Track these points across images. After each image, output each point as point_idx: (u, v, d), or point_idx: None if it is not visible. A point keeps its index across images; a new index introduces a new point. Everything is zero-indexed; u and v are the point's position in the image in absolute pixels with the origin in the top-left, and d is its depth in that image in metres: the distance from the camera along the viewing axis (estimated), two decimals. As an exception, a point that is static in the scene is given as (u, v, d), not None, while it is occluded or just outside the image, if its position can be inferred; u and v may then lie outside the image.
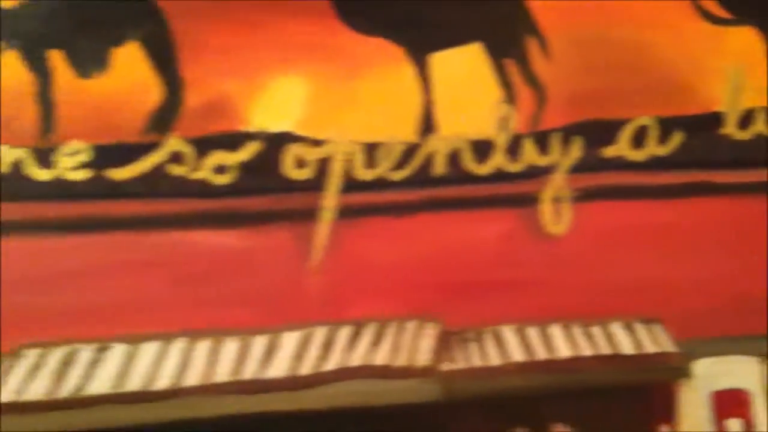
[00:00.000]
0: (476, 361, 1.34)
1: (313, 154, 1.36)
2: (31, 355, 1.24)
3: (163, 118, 1.33)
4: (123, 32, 1.35)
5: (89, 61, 1.33)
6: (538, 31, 1.47)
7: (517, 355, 1.35)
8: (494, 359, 1.35)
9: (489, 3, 1.48)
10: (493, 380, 1.34)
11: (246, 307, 1.31)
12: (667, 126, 1.44)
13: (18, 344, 1.25)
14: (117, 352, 1.27)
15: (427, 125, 1.42)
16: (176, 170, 1.32)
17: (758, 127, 1.42)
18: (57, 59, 1.33)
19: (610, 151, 1.43)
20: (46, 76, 1.31)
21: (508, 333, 1.37)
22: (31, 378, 1.23)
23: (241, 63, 1.37)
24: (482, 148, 1.42)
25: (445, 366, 1.33)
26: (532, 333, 1.37)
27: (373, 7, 1.43)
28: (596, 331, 1.37)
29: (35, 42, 1.33)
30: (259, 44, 1.38)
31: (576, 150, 1.42)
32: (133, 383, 1.25)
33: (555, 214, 1.41)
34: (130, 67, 1.35)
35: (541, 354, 1.35)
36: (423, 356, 1.33)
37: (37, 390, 1.23)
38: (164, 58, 1.35)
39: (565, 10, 1.46)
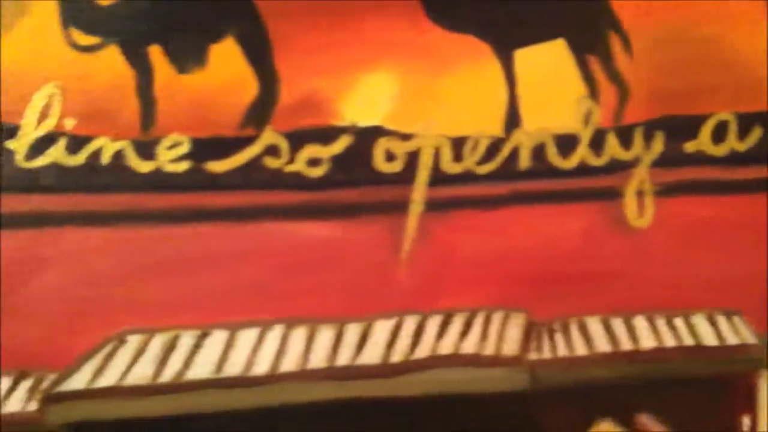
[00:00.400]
0: (562, 352, 1.37)
1: (402, 148, 1.40)
2: (134, 341, 1.28)
3: (259, 113, 1.37)
4: (220, 29, 1.38)
5: (188, 57, 1.36)
6: (621, 29, 1.49)
7: (603, 345, 1.38)
8: (580, 350, 1.38)
9: (573, 1, 1.50)
10: (578, 370, 1.37)
11: (339, 296, 1.35)
12: (746, 121, 1.46)
13: (121, 330, 1.27)
14: (216, 338, 1.30)
15: (513, 120, 1.45)
16: (272, 163, 1.36)
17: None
18: (156, 55, 1.35)
19: (691, 146, 1.45)
20: (146, 72, 1.34)
21: (594, 324, 1.40)
22: (134, 363, 1.27)
23: (332, 60, 1.40)
24: (566, 143, 1.45)
25: (532, 356, 1.36)
26: (617, 324, 1.40)
27: (460, 5, 1.46)
28: (679, 322, 1.40)
29: (135, 38, 1.36)
30: (349, 42, 1.41)
31: (658, 145, 1.44)
32: (233, 369, 1.29)
33: (638, 208, 1.43)
34: (226, 63, 1.37)
35: (626, 345, 1.38)
36: (510, 346, 1.36)
37: (140, 375, 1.26)
38: (260, 54, 1.38)
39: (646, 8, 1.49)
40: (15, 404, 1.21)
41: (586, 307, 1.38)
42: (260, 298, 1.31)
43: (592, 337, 1.36)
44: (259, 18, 1.38)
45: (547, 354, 1.35)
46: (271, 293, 1.31)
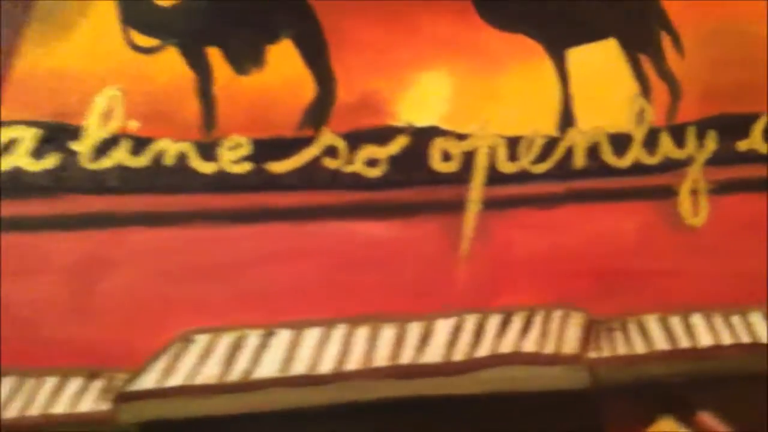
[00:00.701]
0: (622, 350, 1.38)
1: (458, 148, 1.41)
2: (201, 341, 1.29)
3: (317, 114, 1.38)
4: (277, 30, 1.39)
5: (246, 58, 1.37)
6: (671, 27, 1.51)
7: (661, 343, 1.39)
8: (639, 348, 1.39)
9: (623, 0, 1.51)
10: (638, 368, 1.38)
11: (400, 295, 1.36)
12: (797, 120, 1.47)
13: (188, 330, 1.29)
14: (282, 337, 1.32)
15: (567, 119, 1.46)
16: (330, 163, 1.37)
17: None
18: (215, 56, 1.37)
19: (743, 145, 1.46)
20: (205, 73, 1.36)
21: (652, 322, 1.41)
22: (202, 362, 1.28)
23: (387, 60, 1.42)
24: (620, 141, 1.46)
25: (592, 354, 1.37)
26: (675, 322, 1.41)
27: (510, 4, 1.48)
28: (736, 320, 1.41)
29: (193, 39, 1.37)
30: (404, 42, 1.43)
31: (711, 143, 1.46)
32: (298, 367, 1.30)
33: (693, 206, 1.44)
34: (284, 64, 1.38)
35: (684, 342, 1.39)
36: (570, 344, 1.37)
37: (209, 374, 1.28)
38: (316, 55, 1.40)
39: (696, 7, 1.50)
40: (88, 404, 1.21)
41: (644, 305, 1.39)
42: (323, 296, 1.32)
43: (651, 335, 1.37)
44: (315, 18, 1.40)
45: (606, 352, 1.35)
46: (333, 292, 1.33)
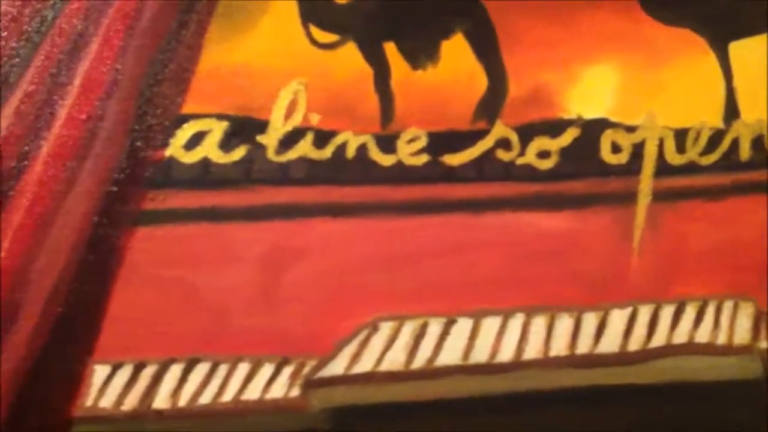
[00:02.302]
0: (792, 340, 1.35)
1: (627, 140, 1.38)
2: (386, 328, 1.27)
3: (490, 107, 1.37)
4: (450, 25, 1.37)
5: (421, 53, 1.36)
6: (831, 20, 1.46)
7: (828, 332, 1.35)
8: (808, 338, 1.35)
9: (781, -6, 1.48)
10: (808, 358, 1.34)
11: (575, 285, 1.34)
12: None
13: (373, 317, 1.27)
14: (462, 326, 1.30)
15: (731, 111, 1.43)
16: (504, 156, 1.35)
17: None
18: (391, 51, 1.35)
19: None
20: (383, 68, 1.34)
21: (820, 312, 1.37)
22: (387, 350, 1.27)
23: (556, 54, 1.40)
24: (783, 134, 1.42)
25: (763, 344, 1.34)
26: (843, 311, 1.37)
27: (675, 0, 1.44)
28: None
29: (370, 35, 1.35)
30: (572, 36, 1.40)
31: None
32: (479, 356, 1.28)
33: None
34: (457, 59, 1.36)
35: None
36: (742, 334, 1.34)
37: (394, 361, 1.26)
38: (488, 50, 1.38)
39: None
40: (278, 390, 1.20)
41: (813, 296, 1.35)
42: (500, 286, 1.31)
43: (820, 325, 1.33)
44: (486, 14, 1.38)
45: (776, 342, 1.32)
46: (510, 282, 1.31)
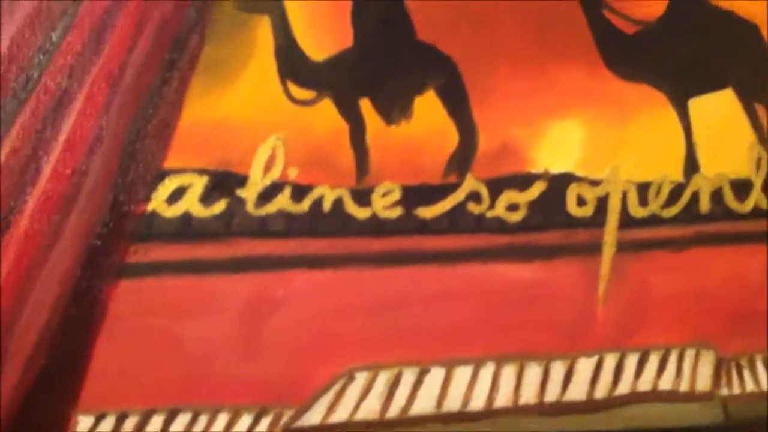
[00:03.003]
0: (750, 387, 1.39)
1: (592, 193, 1.42)
2: (361, 378, 1.30)
3: (461, 161, 1.40)
4: (423, 82, 1.40)
5: (395, 109, 1.39)
6: (784, 79, 1.52)
7: (786, 380, 1.40)
8: (765, 385, 1.39)
9: (739, 53, 1.53)
10: (765, 404, 1.38)
11: (544, 334, 1.38)
12: None
13: (349, 367, 1.29)
14: (435, 375, 1.33)
15: (692, 165, 1.47)
16: (474, 208, 1.39)
17: None
18: (366, 108, 1.38)
19: None
20: (358, 123, 1.37)
21: (777, 360, 1.42)
22: (363, 399, 1.29)
23: (525, 110, 1.44)
24: (741, 187, 1.47)
25: (724, 390, 1.38)
26: (799, 360, 1.42)
27: (634, 56, 1.49)
28: None
29: (346, 91, 1.38)
30: (540, 92, 1.45)
31: (824, 189, 1.46)
32: (452, 404, 1.31)
33: (811, 249, 1.45)
34: (429, 114, 1.40)
35: (809, 379, 1.39)
36: (703, 381, 1.38)
37: (369, 410, 1.29)
38: (459, 106, 1.41)
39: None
40: (256, 439, 1.22)
41: (769, 344, 1.39)
42: (471, 335, 1.34)
43: (777, 373, 1.37)
44: (457, 71, 1.41)
45: (736, 389, 1.35)
46: (481, 331, 1.34)
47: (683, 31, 1.51)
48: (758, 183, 1.46)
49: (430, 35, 1.44)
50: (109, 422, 1.24)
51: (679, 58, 1.50)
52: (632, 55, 1.49)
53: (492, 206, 1.39)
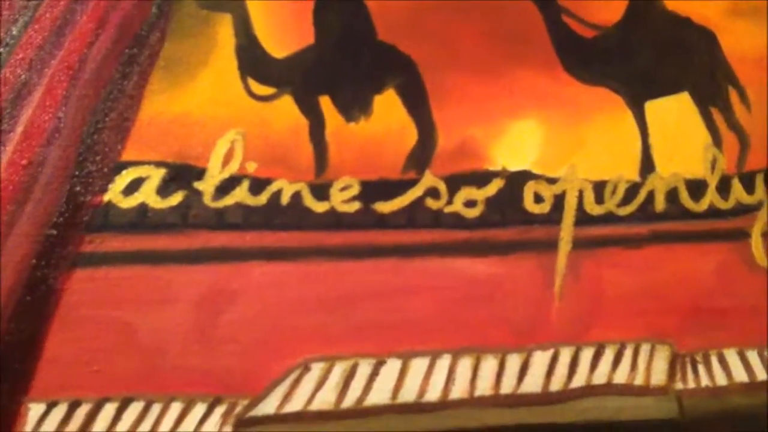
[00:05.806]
0: (705, 382, 1.34)
1: (549, 191, 1.37)
2: (317, 369, 1.24)
3: (420, 158, 1.36)
4: (383, 81, 1.36)
5: (355, 106, 1.34)
6: (739, 83, 1.49)
7: (740, 376, 1.35)
8: (720, 380, 1.34)
9: (695, 58, 1.49)
10: (721, 399, 1.33)
11: (500, 328, 1.32)
12: None
13: (305, 358, 1.24)
14: (391, 367, 1.27)
15: (647, 166, 1.43)
16: (432, 204, 1.34)
17: None
18: (326, 104, 1.33)
19: (808, 190, 1.43)
20: (318, 120, 1.32)
21: (731, 356, 1.36)
22: (318, 390, 1.23)
23: (484, 110, 1.40)
24: (696, 187, 1.43)
25: (678, 385, 1.32)
26: (752, 356, 1.36)
27: (592, 61, 1.45)
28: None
29: (306, 88, 1.34)
30: (498, 93, 1.41)
31: (778, 189, 1.42)
32: (407, 396, 1.25)
33: (765, 248, 1.41)
34: (389, 113, 1.35)
35: (762, 375, 1.34)
36: (658, 376, 1.32)
37: (324, 400, 1.23)
38: (418, 105, 1.37)
39: (760, 64, 1.47)
40: (211, 429, 1.16)
41: (724, 340, 1.34)
42: (428, 328, 1.29)
43: (731, 368, 1.32)
44: (417, 71, 1.37)
45: (691, 384, 1.30)
46: (437, 324, 1.29)
47: (640, 37, 1.47)
48: (713, 183, 1.42)
49: (391, 36, 1.38)
50: (61, 410, 1.18)
51: (636, 63, 1.46)
52: (590, 60, 1.45)
53: (450, 202, 1.34)
